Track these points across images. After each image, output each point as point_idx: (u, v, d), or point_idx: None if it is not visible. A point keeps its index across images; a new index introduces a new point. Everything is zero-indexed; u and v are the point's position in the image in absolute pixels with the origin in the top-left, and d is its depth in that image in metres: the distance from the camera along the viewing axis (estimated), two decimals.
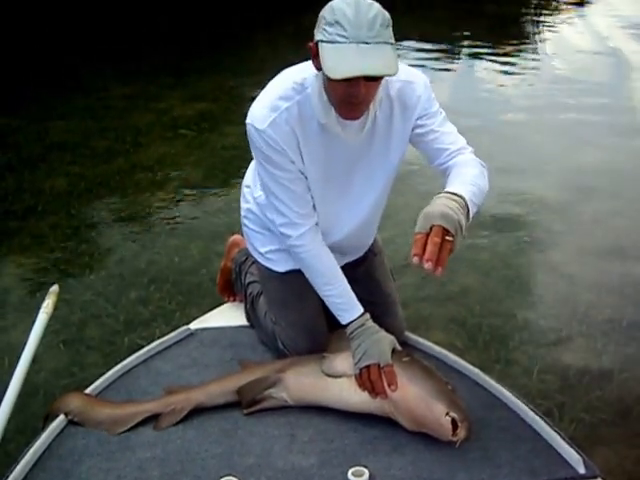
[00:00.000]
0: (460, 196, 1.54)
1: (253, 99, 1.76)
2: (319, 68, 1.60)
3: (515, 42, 8.63)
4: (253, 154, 1.79)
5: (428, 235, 1.43)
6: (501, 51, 8.10)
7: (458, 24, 9.66)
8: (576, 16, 10.65)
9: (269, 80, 1.78)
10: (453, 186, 1.60)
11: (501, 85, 6.86)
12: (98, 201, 4.18)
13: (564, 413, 2.45)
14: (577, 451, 1.58)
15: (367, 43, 1.49)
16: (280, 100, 1.69)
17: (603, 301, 3.16)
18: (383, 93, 1.73)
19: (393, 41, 1.54)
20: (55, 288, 2.03)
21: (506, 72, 7.23)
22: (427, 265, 1.41)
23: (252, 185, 2.00)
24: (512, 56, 7.91)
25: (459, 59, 7.99)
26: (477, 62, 7.77)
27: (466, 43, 8.68)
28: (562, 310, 3.10)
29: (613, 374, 2.67)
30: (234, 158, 4.70)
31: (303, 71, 1.73)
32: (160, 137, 5.27)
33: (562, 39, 9.05)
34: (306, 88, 1.70)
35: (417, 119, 1.78)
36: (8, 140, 5.19)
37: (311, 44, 1.59)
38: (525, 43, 8.75)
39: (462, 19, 10.12)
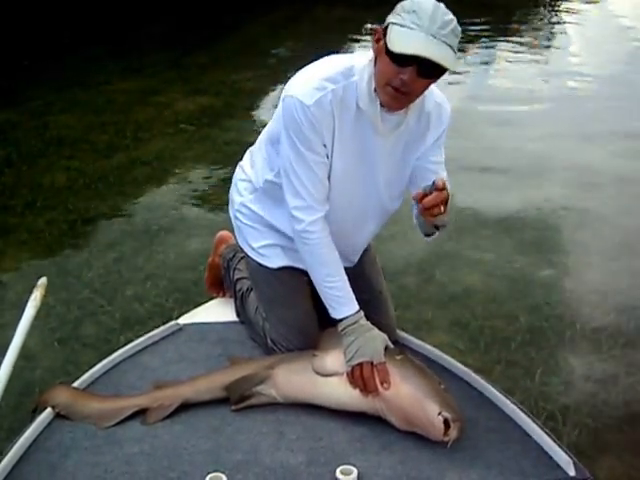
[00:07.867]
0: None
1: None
2: (378, 51, 1.64)
3: None
4: (286, 130, 1.73)
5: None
6: None
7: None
8: None
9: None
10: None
11: None
12: (96, 196, 4.16)
13: (568, 417, 2.39)
14: (567, 453, 1.57)
15: (435, 37, 1.56)
16: (326, 81, 1.70)
17: (609, 302, 3.10)
18: (420, 105, 1.77)
19: (456, 52, 1.60)
20: (43, 280, 1.99)
21: None
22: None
23: (254, 177, 1.96)
24: None
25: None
26: None
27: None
28: (566, 311, 3.05)
29: (619, 378, 2.61)
30: (234, 153, 4.61)
31: (351, 59, 1.76)
32: (160, 132, 5.25)
33: None
34: (353, 75, 1.71)
35: (429, 145, 1.83)
36: (7, 135, 5.18)
37: (378, 27, 1.65)
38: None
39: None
